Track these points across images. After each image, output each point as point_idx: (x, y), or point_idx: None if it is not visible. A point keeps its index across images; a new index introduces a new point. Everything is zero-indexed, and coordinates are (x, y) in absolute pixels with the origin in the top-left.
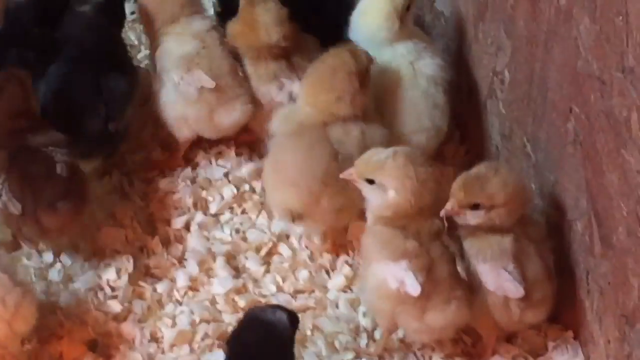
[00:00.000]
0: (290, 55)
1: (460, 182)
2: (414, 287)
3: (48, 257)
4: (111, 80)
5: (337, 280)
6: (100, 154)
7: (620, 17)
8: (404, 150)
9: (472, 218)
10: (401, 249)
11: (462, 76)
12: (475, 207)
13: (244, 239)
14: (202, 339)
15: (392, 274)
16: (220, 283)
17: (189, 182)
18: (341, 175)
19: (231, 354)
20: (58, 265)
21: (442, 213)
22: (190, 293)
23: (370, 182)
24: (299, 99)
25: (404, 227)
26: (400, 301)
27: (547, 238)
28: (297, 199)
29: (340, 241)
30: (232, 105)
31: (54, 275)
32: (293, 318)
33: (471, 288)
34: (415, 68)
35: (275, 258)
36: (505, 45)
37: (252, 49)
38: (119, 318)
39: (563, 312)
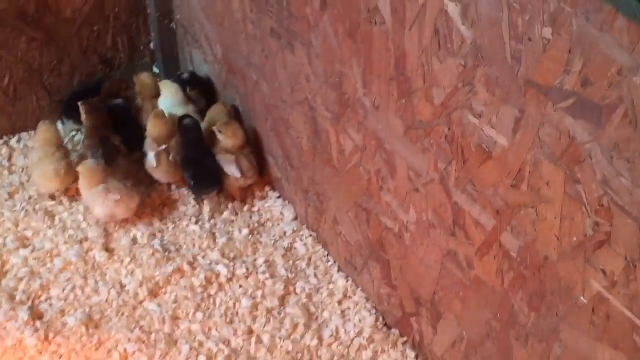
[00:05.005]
0: None
1: (220, 124)
2: (152, 163)
3: None
4: None
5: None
6: None
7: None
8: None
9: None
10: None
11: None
12: (219, 132)
13: None
14: None
15: (150, 157)
16: None
17: None
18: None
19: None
20: None
21: (213, 128)
22: None
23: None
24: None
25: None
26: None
27: (253, 154)
28: None
29: None
30: None
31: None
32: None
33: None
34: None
35: None
36: (247, 75)
37: None
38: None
39: (276, 187)
